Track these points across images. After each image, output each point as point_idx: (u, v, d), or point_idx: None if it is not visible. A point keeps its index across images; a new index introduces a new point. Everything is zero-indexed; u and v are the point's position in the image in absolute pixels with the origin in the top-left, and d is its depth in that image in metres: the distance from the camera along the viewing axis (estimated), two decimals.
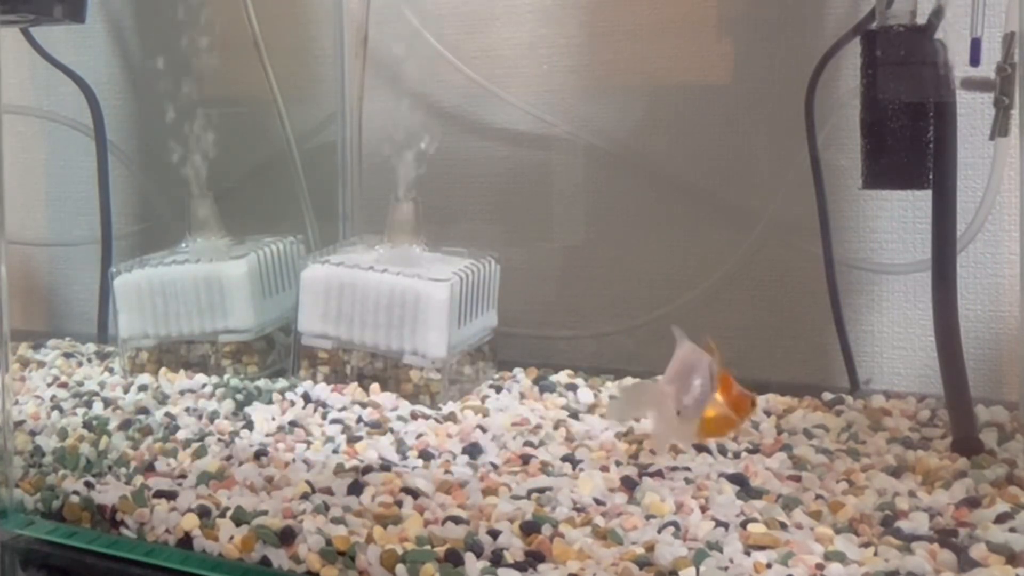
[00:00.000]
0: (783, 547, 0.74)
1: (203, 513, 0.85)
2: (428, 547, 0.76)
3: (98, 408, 1.11)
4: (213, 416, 1.07)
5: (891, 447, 0.92)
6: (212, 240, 1.26)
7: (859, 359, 1.17)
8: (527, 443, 0.97)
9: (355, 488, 0.87)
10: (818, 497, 0.82)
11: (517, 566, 0.74)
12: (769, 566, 0.71)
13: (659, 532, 0.77)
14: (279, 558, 0.80)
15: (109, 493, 0.89)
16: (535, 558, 0.75)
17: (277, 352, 1.24)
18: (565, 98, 1.30)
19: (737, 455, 0.93)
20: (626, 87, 1.28)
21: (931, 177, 0.89)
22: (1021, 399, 0.96)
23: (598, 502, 0.83)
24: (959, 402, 0.92)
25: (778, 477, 0.87)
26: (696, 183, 1.25)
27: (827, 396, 1.06)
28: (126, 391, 1.17)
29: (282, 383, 1.15)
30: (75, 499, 0.90)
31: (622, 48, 1.28)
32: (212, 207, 1.27)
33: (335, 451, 0.97)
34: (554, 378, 1.15)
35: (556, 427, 1.00)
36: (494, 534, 0.77)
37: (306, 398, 1.09)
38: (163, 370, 1.21)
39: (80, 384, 1.21)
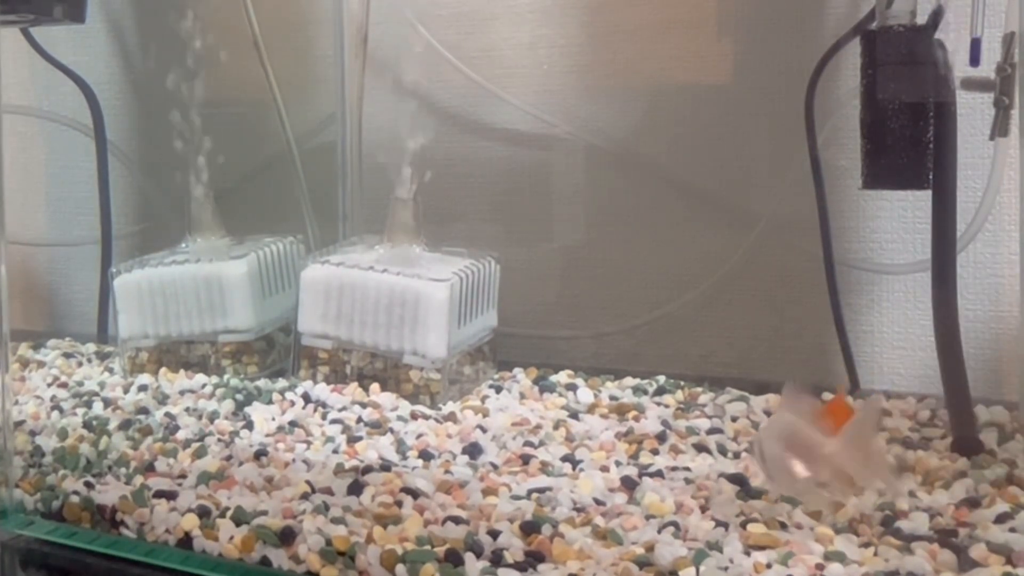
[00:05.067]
0: (783, 547, 0.74)
1: (203, 513, 0.85)
2: (428, 547, 0.76)
3: (98, 408, 1.11)
4: (213, 416, 1.07)
5: (891, 447, 0.92)
6: (212, 240, 1.26)
7: (859, 359, 1.17)
8: (527, 443, 0.97)
9: (355, 488, 0.87)
10: None
11: (517, 566, 0.74)
12: (769, 566, 0.71)
13: (659, 532, 0.77)
14: (279, 558, 0.80)
15: (109, 493, 0.89)
16: (535, 558, 0.75)
17: (277, 352, 1.24)
18: (565, 98, 1.30)
19: (737, 455, 0.93)
20: (626, 87, 1.28)
21: (931, 177, 0.89)
22: (1021, 399, 0.96)
23: (598, 502, 0.84)
24: (959, 402, 0.92)
25: None
26: (696, 183, 1.25)
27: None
28: (126, 391, 1.17)
29: (282, 383, 1.15)
30: (75, 499, 0.90)
31: (622, 48, 1.28)
32: (212, 207, 1.26)
33: (335, 451, 0.97)
34: (554, 378, 1.15)
35: (556, 427, 1.00)
36: (494, 534, 0.77)
37: (306, 398, 1.09)
38: (163, 370, 1.21)
39: (80, 384, 1.21)
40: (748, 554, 0.73)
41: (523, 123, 1.33)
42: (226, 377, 1.18)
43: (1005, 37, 0.88)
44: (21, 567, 0.89)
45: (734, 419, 1.01)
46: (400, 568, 0.75)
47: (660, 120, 1.27)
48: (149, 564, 0.84)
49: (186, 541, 0.84)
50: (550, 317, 1.32)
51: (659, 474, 0.88)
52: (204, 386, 1.16)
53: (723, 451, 0.93)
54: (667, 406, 1.06)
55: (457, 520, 0.80)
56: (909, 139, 0.88)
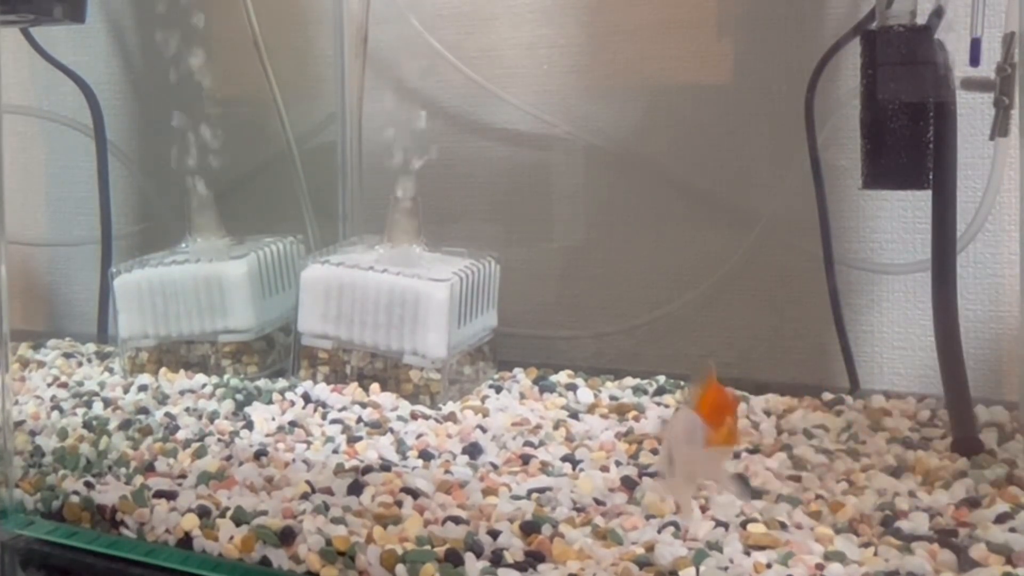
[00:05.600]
0: (783, 547, 0.74)
1: (203, 513, 0.85)
2: (428, 547, 0.76)
3: (98, 408, 1.11)
4: (213, 416, 1.07)
5: (891, 447, 0.92)
6: (212, 240, 1.26)
7: (859, 359, 1.17)
8: (527, 443, 0.97)
9: (355, 488, 0.87)
10: (818, 497, 0.82)
11: (517, 566, 0.74)
12: (769, 566, 0.71)
13: (659, 532, 0.77)
14: (279, 558, 0.80)
15: (109, 493, 0.89)
16: (535, 558, 0.75)
17: (277, 352, 1.24)
18: (565, 98, 1.30)
19: (737, 455, 0.92)
20: (626, 87, 1.28)
21: (931, 177, 0.89)
22: (1021, 399, 0.96)
23: (598, 502, 0.83)
24: (959, 402, 0.92)
25: (778, 477, 0.87)
26: (696, 183, 1.25)
27: (827, 396, 1.06)
28: (126, 391, 1.17)
29: (282, 383, 1.15)
30: (75, 499, 0.90)
31: (622, 48, 1.28)
32: (212, 207, 1.26)
33: (335, 451, 0.97)
34: (554, 378, 1.15)
35: (556, 427, 1.00)
36: (494, 534, 0.77)
37: (306, 398, 1.09)
38: (163, 370, 1.21)
39: (80, 384, 1.21)
40: (748, 554, 0.73)
41: (523, 123, 1.33)
42: (226, 377, 1.18)
43: (1005, 37, 0.88)
44: (21, 567, 0.89)
45: None
46: (400, 568, 0.75)
47: (660, 120, 1.27)
48: (149, 564, 0.84)
49: (186, 541, 0.84)
50: (550, 317, 1.32)
51: (659, 474, 0.88)
52: (204, 386, 1.16)
53: None
54: (667, 406, 1.05)
55: (457, 520, 0.80)
56: (909, 139, 0.88)
